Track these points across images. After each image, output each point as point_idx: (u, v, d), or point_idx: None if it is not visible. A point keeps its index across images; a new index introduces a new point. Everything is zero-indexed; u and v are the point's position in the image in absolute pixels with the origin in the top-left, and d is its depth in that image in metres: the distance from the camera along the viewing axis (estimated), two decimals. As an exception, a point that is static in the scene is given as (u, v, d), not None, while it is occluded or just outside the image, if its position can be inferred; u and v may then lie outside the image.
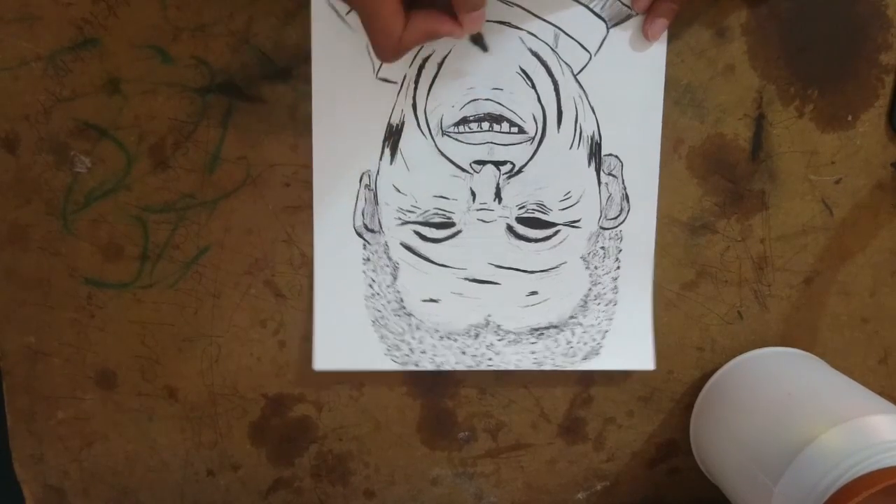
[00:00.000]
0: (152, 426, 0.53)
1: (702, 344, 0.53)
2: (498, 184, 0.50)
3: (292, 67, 0.48)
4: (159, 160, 0.50)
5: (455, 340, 0.52)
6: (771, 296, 0.53)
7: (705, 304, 0.53)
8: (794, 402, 0.46)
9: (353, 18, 0.47)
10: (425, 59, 0.48)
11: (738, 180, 0.51)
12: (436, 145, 0.49)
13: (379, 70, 0.48)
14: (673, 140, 0.50)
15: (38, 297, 0.51)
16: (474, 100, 0.49)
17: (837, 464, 0.39)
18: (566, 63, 0.49)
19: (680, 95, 0.50)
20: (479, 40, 0.48)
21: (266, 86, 0.49)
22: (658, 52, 0.48)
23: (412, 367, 0.52)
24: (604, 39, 0.48)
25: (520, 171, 0.50)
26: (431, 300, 0.51)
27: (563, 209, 0.50)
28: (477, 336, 0.52)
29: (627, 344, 0.52)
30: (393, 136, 0.49)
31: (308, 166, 0.50)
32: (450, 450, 0.55)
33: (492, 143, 0.49)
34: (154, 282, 0.51)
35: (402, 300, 0.51)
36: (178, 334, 0.52)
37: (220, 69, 0.49)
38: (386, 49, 0.42)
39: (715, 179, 0.51)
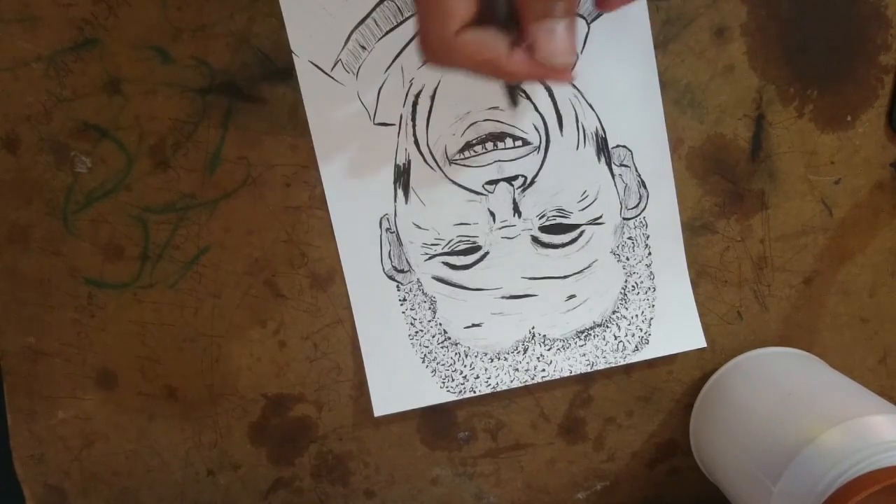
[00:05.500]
0: (152, 426, 0.54)
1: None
2: (514, 199, 0.50)
3: (292, 67, 0.48)
4: (160, 160, 0.50)
5: (505, 359, 0.52)
6: (770, 296, 0.53)
7: (705, 304, 0.53)
8: (793, 401, 0.46)
9: (339, 73, 0.48)
10: (417, 96, 0.49)
11: (737, 180, 0.51)
12: (446, 175, 0.50)
13: (375, 116, 0.49)
14: (672, 140, 0.50)
15: (39, 297, 0.51)
16: (473, 123, 0.49)
17: (836, 464, 0.39)
18: None
19: (679, 95, 0.50)
20: (513, 91, 0.45)
21: (266, 86, 0.49)
22: (643, 33, 0.48)
23: (469, 395, 0.52)
24: (587, 36, 0.48)
25: (532, 181, 0.50)
26: (474, 325, 0.52)
27: (583, 209, 0.51)
28: (526, 351, 0.52)
29: (675, 327, 0.52)
30: (402, 177, 0.50)
31: (308, 167, 0.50)
32: (450, 450, 0.55)
33: (499, 161, 0.49)
34: (154, 282, 0.51)
35: (445, 332, 0.52)
36: (179, 334, 0.52)
37: (221, 69, 0.49)
38: (432, 34, 0.33)
39: (714, 179, 0.51)
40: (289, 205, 0.51)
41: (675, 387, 0.54)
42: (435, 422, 0.54)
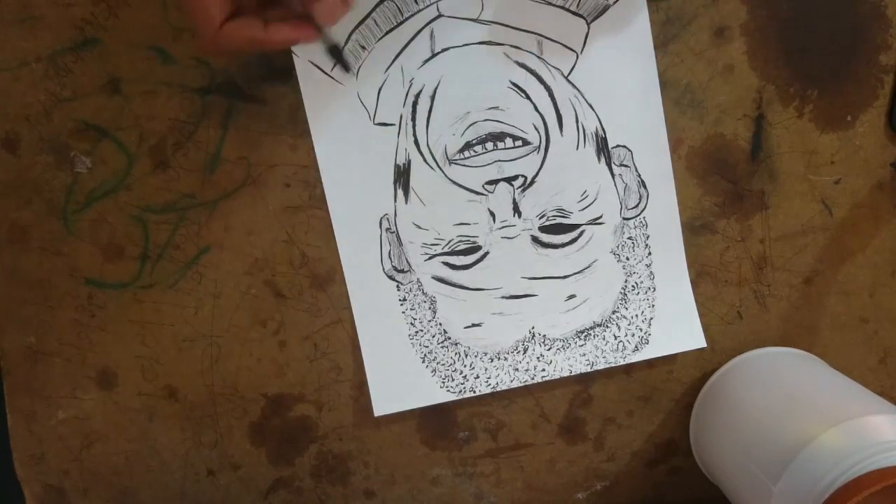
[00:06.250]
0: (152, 426, 0.54)
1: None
2: (514, 199, 0.50)
3: (292, 67, 0.48)
4: (160, 160, 0.50)
5: (505, 359, 0.52)
6: (771, 296, 0.53)
7: (705, 304, 0.53)
8: (793, 402, 0.46)
9: (339, 73, 0.48)
10: (417, 96, 0.49)
11: (737, 180, 0.51)
12: (445, 175, 0.50)
13: (375, 116, 0.49)
14: (673, 140, 0.50)
15: (39, 297, 0.51)
16: (473, 123, 0.49)
17: (837, 464, 0.39)
18: (555, 67, 0.49)
19: (679, 95, 0.50)
20: (337, 54, 0.43)
21: (266, 86, 0.49)
22: (643, 33, 0.49)
23: (469, 395, 0.52)
24: (587, 36, 0.48)
25: (532, 181, 0.50)
26: (474, 325, 0.52)
27: (583, 209, 0.51)
28: (526, 350, 0.52)
29: (674, 327, 0.52)
30: (402, 177, 0.50)
31: (308, 167, 0.50)
32: (450, 450, 0.55)
33: (499, 160, 0.50)
34: (154, 282, 0.51)
35: (445, 331, 0.52)
36: (178, 334, 0.52)
37: (221, 69, 0.49)
38: (203, 37, 0.40)
39: (715, 179, 0.51)
40: (289, 205, 0.51)
41: (674, 387, 0.54)
42: (435, 422, 0.54)
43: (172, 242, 0.51)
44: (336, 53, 0.43)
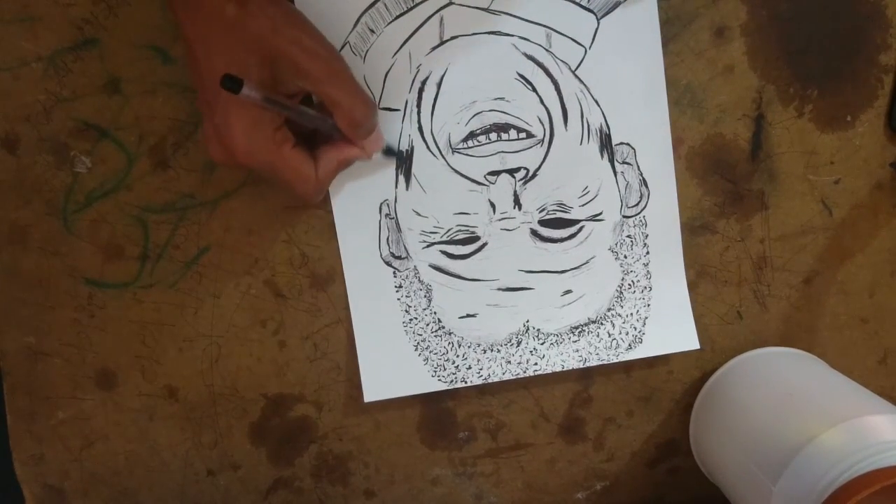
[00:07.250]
0: (152, 426, 0.54)
1: (701, 344, 0.53)
2: (515, 191, 0.50)
3: (292, 68, 0.48)
4: (159, 160, 0.50)
5: (498, 351, 0.52)
6: (770, 296, 0.53)
7: (705, 304, 0.53)
8: (793, 401, 0.46)
9: (347, 55, 0.48)
10: (423, 82, 0.49)
11: (737, 180, 0.51)
12: (448, 164, 0.50)
13: (381, 100, 0.49)
14: (673, 140, 0.50)
15: (39, 297, 0.51)
16: (478, 113, 0.49)
17: (836, 463, 0.39)
18: (563, 61, 0.49)
19: (679, 95, 0.50)
20: (390, 152, 0.49)
21: (266, 86, 0.49)
22: (652, 32, 0.49)
23: (461, 385, 0.52)
24: (596, 31, 0.48)
25: (534, 174, 0.50)
26: (469, 315, 0.52)
27: (584, 205, 0.51)
28: (519, 343, 0.52)
29: (669, 327, 0.52)
30: (404, 163, 0.50)
31: (308, 166, 0.50)
32: (450, 450, 0.55)
33: (502, 152, 0.49)
34: (154, 282, 0.51)
35: (439, 320, 0.52)
36: (178, 334, 0.52)
37: (221, 69, 0.48)
38: (309, 193, 0.45)
39: (714, 179, 0.51)
40: (289, 205, 0.51)
41: (674, 387, 0.54)
42: (435, 422, 0.54)
43: (172, 242, 0.51)
44: (390, 152, 0.49)
